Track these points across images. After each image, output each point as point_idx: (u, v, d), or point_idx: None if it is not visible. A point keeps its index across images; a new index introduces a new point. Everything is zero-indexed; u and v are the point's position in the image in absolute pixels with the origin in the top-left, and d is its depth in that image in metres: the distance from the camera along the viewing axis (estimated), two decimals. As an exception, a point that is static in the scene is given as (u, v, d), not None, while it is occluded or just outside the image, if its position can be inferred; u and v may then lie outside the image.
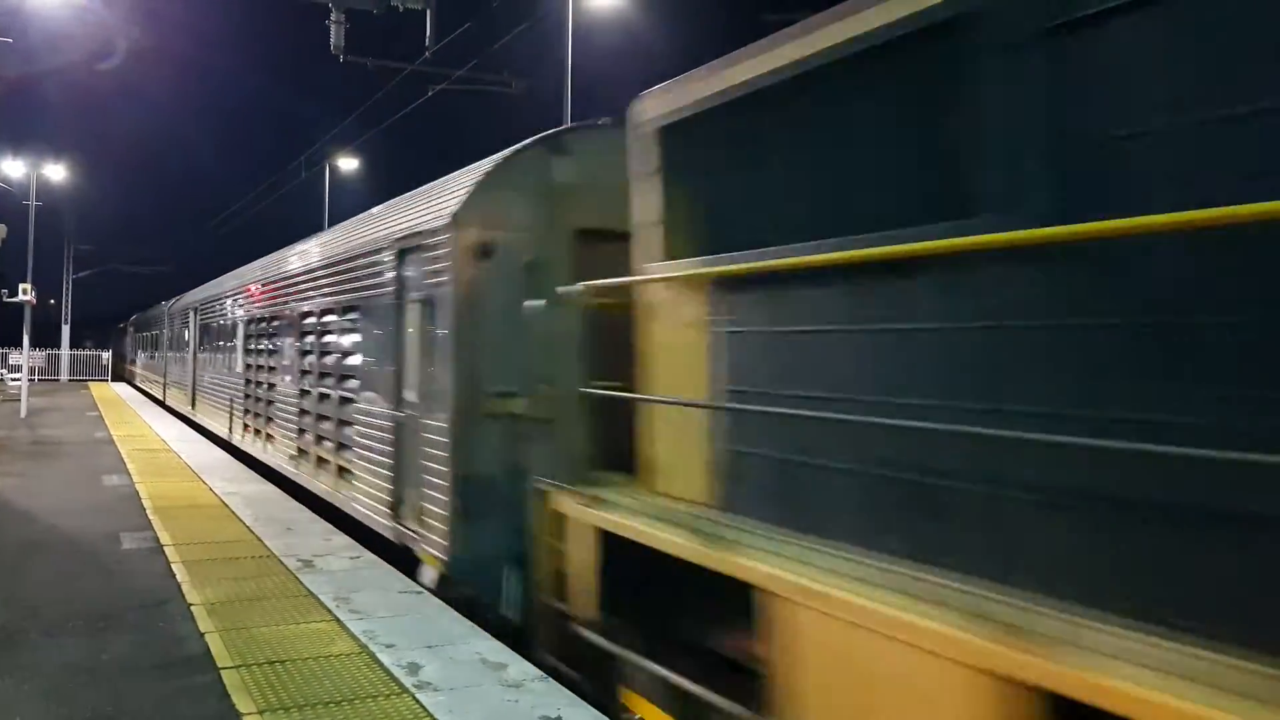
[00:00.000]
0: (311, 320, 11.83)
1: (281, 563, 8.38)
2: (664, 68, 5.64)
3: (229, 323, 18.00)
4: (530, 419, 7.16)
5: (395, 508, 8.59)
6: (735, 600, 4.54)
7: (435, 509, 7.57)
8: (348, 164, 38.10)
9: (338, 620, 6.66)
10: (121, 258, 67.91)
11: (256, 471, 14.32)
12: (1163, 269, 3.25)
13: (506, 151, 7.89)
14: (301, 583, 7.69)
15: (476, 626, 6.58)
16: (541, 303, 6.72)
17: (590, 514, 5.81)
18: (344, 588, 7.55)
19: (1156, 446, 3.06)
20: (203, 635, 6.27)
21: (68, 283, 51.71)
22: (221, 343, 18.83)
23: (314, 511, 10.91)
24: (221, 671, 5.60)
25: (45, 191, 45.93)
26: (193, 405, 22.81)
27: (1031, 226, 3.51)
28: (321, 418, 11.21)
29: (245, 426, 15.81)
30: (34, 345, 28.82)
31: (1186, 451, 2.97)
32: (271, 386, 13.93)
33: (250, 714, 4.99)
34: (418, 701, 5.19)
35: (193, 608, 6.90)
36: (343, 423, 10.32)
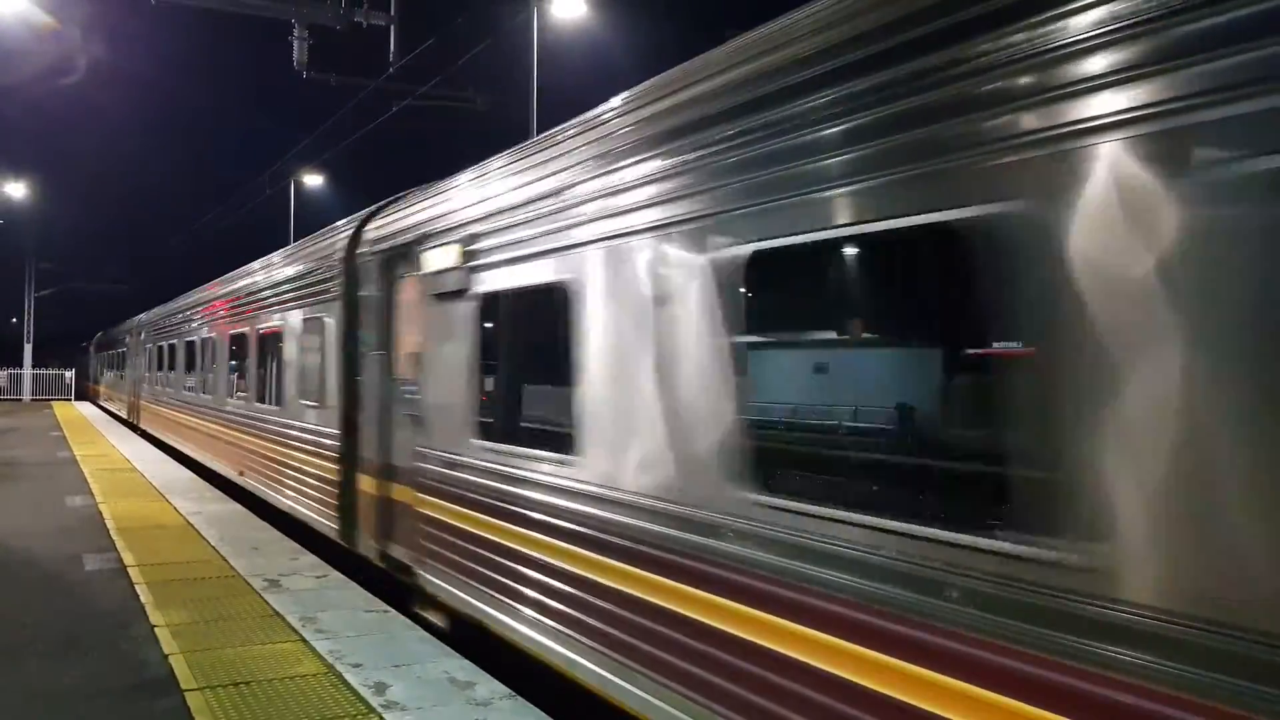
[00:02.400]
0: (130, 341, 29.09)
1: (247, 583, 8.31)
2: (629, 78, 5.69)
3: (115, 351, 36.96)
4: None
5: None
6: None
7: None
8: (312, 180, 37.86)
9: (304, 640, 6.62)
10: (85, 276, 66.94)
11: (224, 491, 14.20)
12: None
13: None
14: (267, 603, 7.63)
15: (444, 645, 6.57)
16: None
17: None
18: (310, 607, 7.50)
19: None
20: (167, 657, 6.21)
21: (30, 301, 50.93)
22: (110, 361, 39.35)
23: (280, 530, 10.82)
24: (186, 694, 5.54)
25: (6, 209, 45.32)
26: (97, 396, 44.18)
27: None
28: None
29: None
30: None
31: None
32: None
33: (214, 737, 4.95)
34: (384, 721, 5.17)
35: (157, 630, 6.83)
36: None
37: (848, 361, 5.15)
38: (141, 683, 5.78)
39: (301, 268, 11.57)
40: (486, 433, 6.66)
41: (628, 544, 4.91)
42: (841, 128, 3.77)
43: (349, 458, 9.31)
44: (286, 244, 17.24)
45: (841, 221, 3.78)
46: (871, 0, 3.75)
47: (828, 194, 3.80)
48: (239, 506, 12.73)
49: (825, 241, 3.86)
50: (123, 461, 18.31)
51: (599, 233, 5.29)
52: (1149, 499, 2.74)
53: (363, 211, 10.08)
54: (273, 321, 12.60)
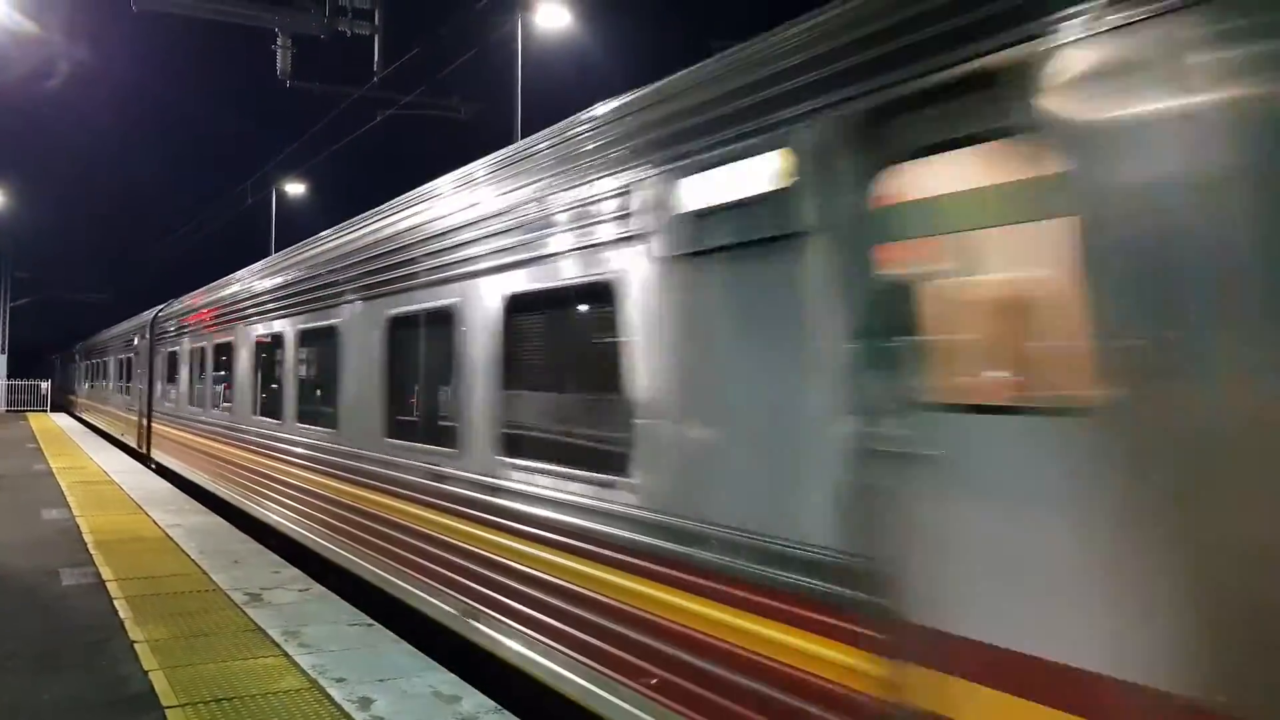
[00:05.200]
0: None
1: (228, 597, 8.22)
2: (612, 88, 5.66)
3: (72, 365, 47.45)
4: None
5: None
6: None
7: None
8: (295, 189, 37.64)
9: (286, 655, 6.55)
10: (64, 285, 66.31)
11: (203, 503, 14.07)
12: None
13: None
14: (249, 617, 7.55)
15: (429, 659, 6.51)
16: None
17: None
18: (293, 621, 7.42)
19: None
20: (147, 673, 6.12)
21: (5, 311, 50.39)
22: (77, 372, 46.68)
23: (261, 543, 10.74)
24: (167, 711, 5.46)
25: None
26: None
27: None
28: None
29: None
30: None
31: None
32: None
33: (196, 754, 4.88)
34: (369, 737, 5.11)
35: (136, 645, 6.74)
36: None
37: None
38: (121, 699, 5.69)
39: (131, 329, 26.11)
40: (167, 402, 18.80)
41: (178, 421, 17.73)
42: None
43: (144, 414, 21.69)
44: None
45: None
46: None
47: None
48: (219, 519, 12.60)
49: None
50: (100, 473, 18.11)
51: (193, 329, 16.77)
52: None
53: (160, 305, 21.87)
54: (121, 355, 27.51)
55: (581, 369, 5.69)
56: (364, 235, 8.98)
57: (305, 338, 10.46)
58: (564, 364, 5.94)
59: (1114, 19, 2.89)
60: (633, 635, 4.72)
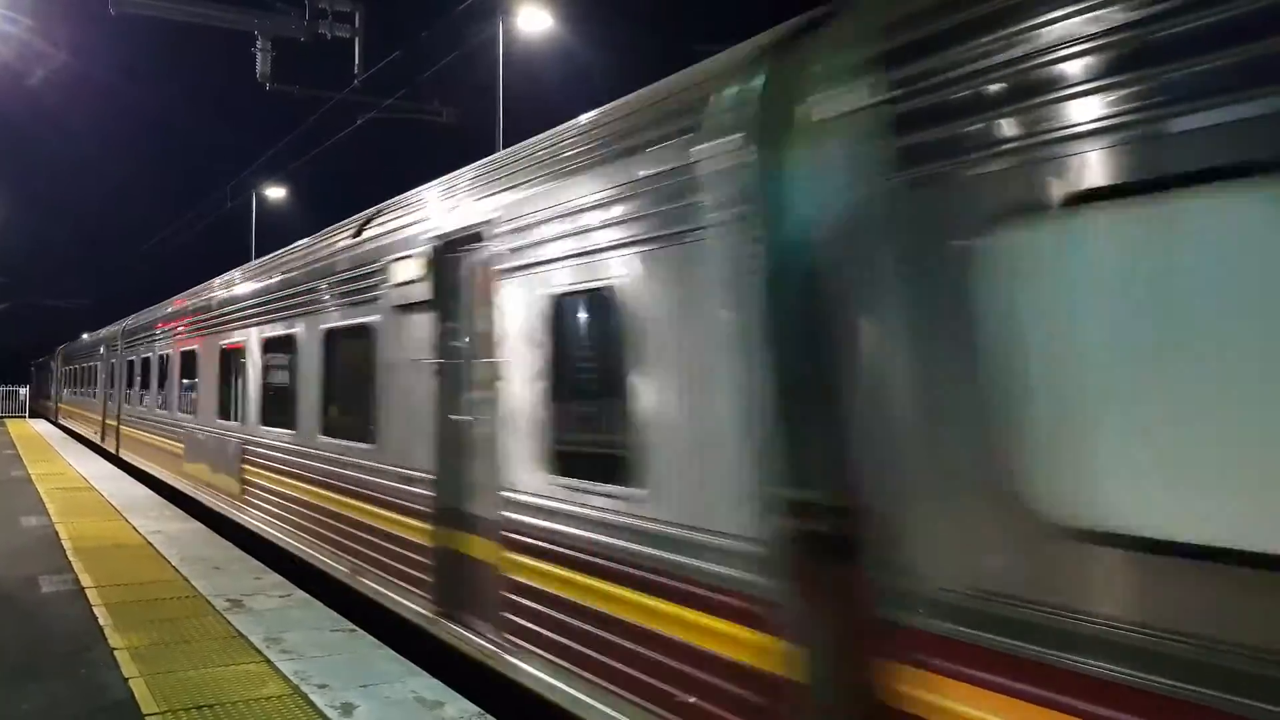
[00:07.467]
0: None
1: (209, 603, 8.17)
2: (596, 93, 5.69)
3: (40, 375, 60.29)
4: None
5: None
6: None
7: None
8: (275, 193, 37.45)
9: (268, 661, 6.52)
10: (42, 291, 65.71)
11: (184, 509, 13.99)
12: None
13: None
14: (230, 623, 7.51)
15: (412, 664, 6.50)
16: None
17: None
18: (274, 627, 7.39)
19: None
20: (127, 681, 6.08)
21: (-18, 316, 49.94)
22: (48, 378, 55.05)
23: (242, 549, 10.70)
24: (147, 718, 5.43)
25: (-43, 222, 44.44)
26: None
27: None
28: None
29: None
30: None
31: None
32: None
33: (177, 762, 4.85)
34: (352, 743, 5.10)
35: (116, 652, 6.70)
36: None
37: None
38: (101, 707, 5.66)
39: (50, 357, 49.81)
40: (65, 391, 40.03)
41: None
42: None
43: (55, 397, 43.94)
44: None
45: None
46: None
47: None
48: (200, 525, 12.53)
49: None
50: (80, 480, 17.97)
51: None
52: None
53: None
54: (50, 369, 48.34)
55: None
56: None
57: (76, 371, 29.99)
58: None
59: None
60: None
